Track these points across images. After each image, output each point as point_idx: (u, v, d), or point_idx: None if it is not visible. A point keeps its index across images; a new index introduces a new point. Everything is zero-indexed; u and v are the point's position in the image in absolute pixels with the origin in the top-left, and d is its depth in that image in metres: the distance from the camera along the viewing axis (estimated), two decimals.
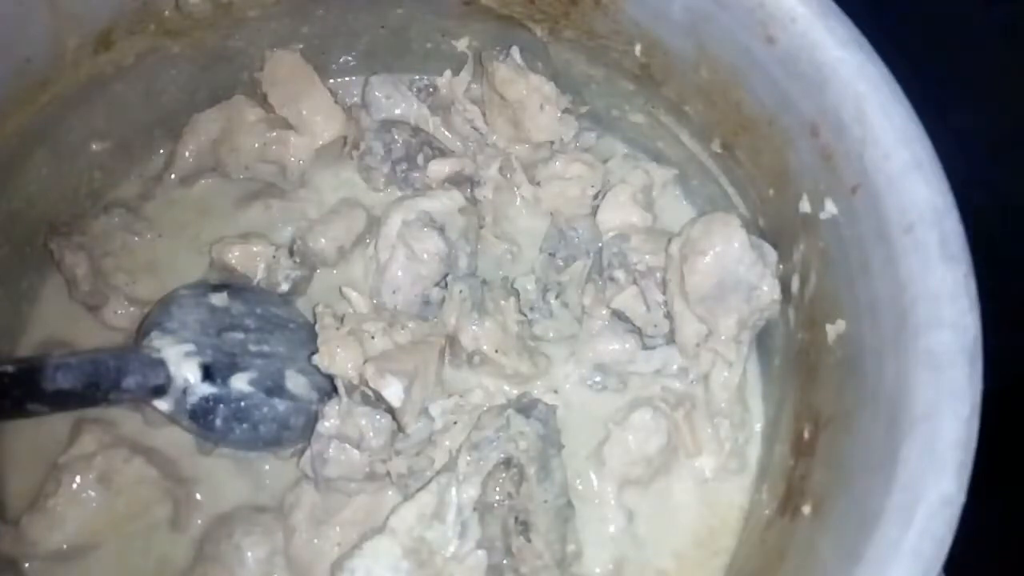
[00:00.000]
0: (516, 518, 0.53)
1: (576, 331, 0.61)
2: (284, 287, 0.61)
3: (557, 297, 0.62)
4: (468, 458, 0.54)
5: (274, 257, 0.61)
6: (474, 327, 0.58)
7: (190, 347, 0.55)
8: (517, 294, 0.61)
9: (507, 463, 0.54)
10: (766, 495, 0.56)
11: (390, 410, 0.55)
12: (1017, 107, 0.70)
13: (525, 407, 0.56)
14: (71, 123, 0.59)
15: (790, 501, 0.52)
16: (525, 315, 0.61)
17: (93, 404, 0.54)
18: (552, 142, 0.64)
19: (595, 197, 0.64)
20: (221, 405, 0.55)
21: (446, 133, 0.67)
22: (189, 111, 0.65)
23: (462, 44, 0.65)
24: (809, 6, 0.47)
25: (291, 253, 0.62)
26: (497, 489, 0.53)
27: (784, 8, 0.47)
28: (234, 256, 0.61)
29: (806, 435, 0.52)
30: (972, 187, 0.45)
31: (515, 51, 0.63)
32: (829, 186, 0.48)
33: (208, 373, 0.55)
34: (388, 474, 0.55)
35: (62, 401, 0.51)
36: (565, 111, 0.64)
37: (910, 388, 0.42)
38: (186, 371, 0.54)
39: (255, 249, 0.61)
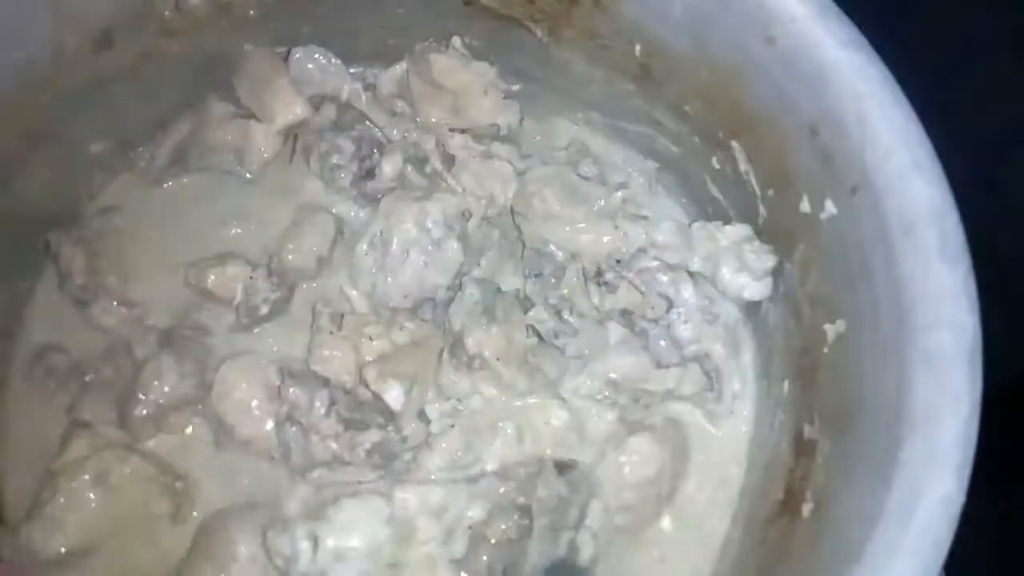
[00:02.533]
0: (504, 569, 0.52)
1: (602, 336, 0.60)
2: (264, 310, 0.60)
3: (572, 312, 0.60)
4: (491, 483, 0.53)
5: (251, 278, 0.60)
6: (480, 331, 0.57)
7: None
8: (530, 304, 0.60)
9: (523, 511, 0.53)
10: (766, 495, 0.56)
11: (388, 414, 0.55)
12: (1017, 107, 0.70)
13: (564, 466, 0.55)
14: (71, 123, 0.59)
15: (790, 501, 0.52)
16: (550, 340, 0.60)
17: None
18: (497, 125, 0.64)
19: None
20: None
21: (378, 113, 0.66)
22: (188, 112, 0.65)
23: (457, 43, 0.65)
24: (809, 6, 0.47)
25: (269, 273, 0.61)
26: (502, 527, 0.52)
27: (784, 8, 0.47)
28: (211, 281, 0.60)
29: (806, 435, 0.52)
30: (972, 187, 0.45)
31: (456, 40, 0.64)
32: (829, 186, 0.48)
33: None
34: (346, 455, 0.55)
35: None
36: (506, 96, 0.64)
37: (910, 388, 0.42)
38: None
39: (231, 271, 0.60)
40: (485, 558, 0.52)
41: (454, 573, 0.52)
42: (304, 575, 0.51)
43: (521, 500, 0.53)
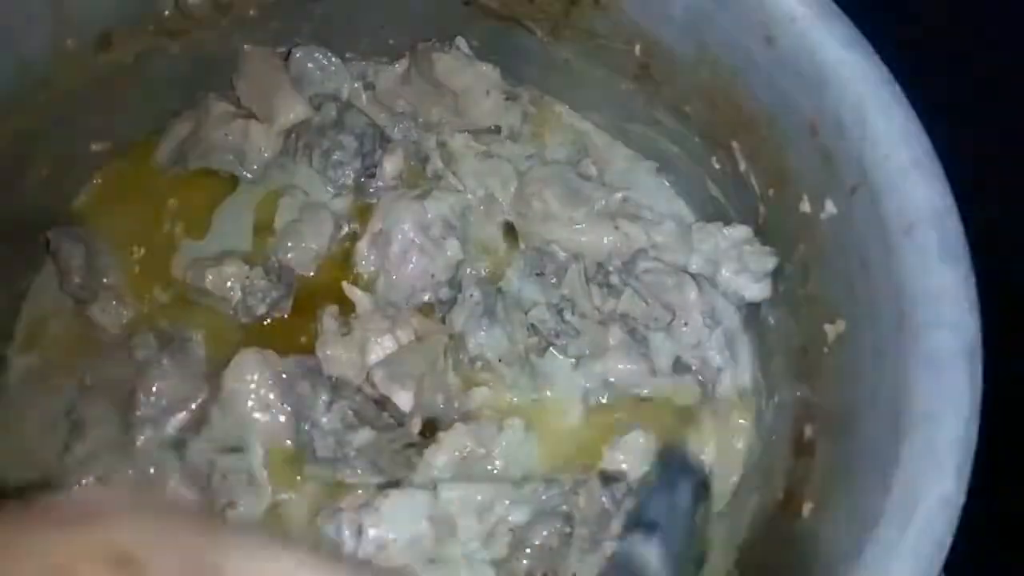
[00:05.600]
0: (544, 574, 0.52)
1: (602, 337, 0.60)
2: (261, 309, 0.60)
3: (573, 312, 0.60)
4: (536, 488, 0.53)
5: (247, 278, 0.60)
6: (482, 332, 0.57)
7: None
8: (531, 304, 0.60)
9: (567, 518, 0.52)
10: (766, 495, 0.56)
11: (398, 414, 0.55)
12: (1017, 107, 0.70)
13: (609, 477, 0.55)
14: (71, 123, 0.59)
15: (790, 501, 0.52)
16: (551, 340, 0.60)
17: None
18: (499, 127, 0.65)
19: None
20: None
21: (379, 112, 0.67)
22: (188, 112, 0.65)
23: (462, 44, 0.66)
24: (809, 6, 0.47)
25: (267, 271, 0.61)
26: (544, 533, 0.52)
27: (784, 8, 0.47)
28: (208, 280, 0.60)
29: (806, 435, 0.52)
30: (972, 187, 0.45)
31: (461, 41, 0.64)
32: (829, 186, 0.48)
33: None
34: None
35: None
36: (507, 98, 0.64)
37: (910, 388, 0.42)
38: None
39: (228, 271, 0.60)
40: (525, 562, 0.52)
41: (493, 574, 0.52)
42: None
43: (564, 508, 0.52)
